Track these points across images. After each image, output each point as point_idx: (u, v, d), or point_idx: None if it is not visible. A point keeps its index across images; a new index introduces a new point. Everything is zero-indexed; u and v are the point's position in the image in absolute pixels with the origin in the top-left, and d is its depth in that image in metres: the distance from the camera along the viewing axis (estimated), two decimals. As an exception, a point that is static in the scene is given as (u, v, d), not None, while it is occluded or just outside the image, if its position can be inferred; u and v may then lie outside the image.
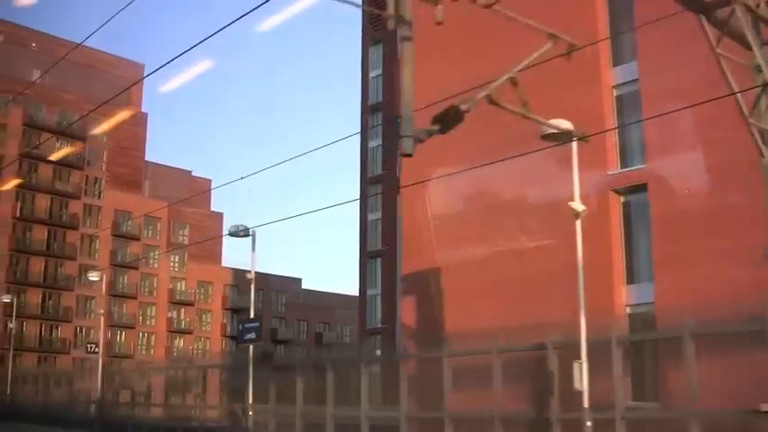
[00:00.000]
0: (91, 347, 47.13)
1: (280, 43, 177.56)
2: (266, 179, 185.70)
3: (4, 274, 76.05)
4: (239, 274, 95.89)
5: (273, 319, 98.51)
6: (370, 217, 64.14)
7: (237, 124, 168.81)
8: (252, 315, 30.24)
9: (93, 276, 60.66)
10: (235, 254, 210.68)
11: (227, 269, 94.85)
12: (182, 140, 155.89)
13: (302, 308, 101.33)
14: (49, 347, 77.96)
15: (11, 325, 62.43)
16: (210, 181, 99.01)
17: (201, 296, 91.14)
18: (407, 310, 27.18)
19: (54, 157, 78.62)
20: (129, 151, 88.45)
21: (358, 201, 64.33)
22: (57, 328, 79.30)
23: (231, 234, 27.97)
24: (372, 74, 67.19)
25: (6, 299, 61.41)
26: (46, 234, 79.59)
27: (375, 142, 66.07)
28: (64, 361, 76.22)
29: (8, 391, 42.38)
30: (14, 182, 72.83)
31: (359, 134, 65.41)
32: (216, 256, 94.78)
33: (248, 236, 27.52)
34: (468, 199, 25.53)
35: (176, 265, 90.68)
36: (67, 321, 78.95)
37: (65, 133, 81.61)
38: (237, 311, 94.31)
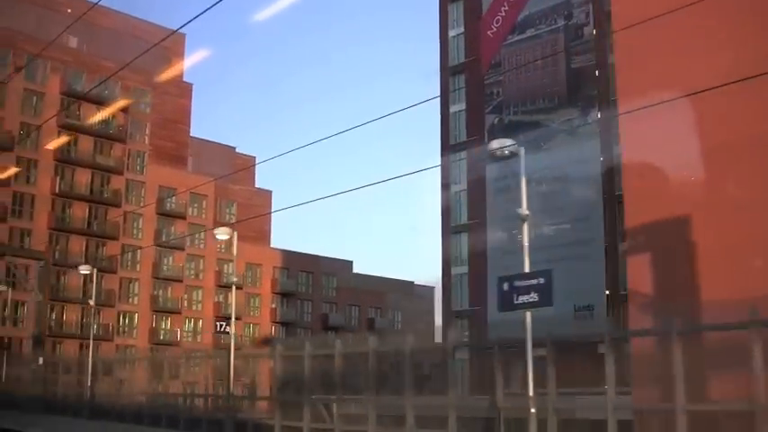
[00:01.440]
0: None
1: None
2: (316, 154, 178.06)
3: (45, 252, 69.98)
4: (289, 256, 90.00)
5: (324, 304, 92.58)
6: (454, 189, 57.96)
7: (287, 100, 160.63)
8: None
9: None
10: (283, 234, 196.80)
11: (276, 250, 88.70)
12: (225, 115, 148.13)
13: (353, 292, 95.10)
14: (88, 333, 71.88)
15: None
16: (255, 158, 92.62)
17: (250, 279, 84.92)
18: (637, 273, 20.67)
19: (96, 118, 72.72)
20: (174, 124, 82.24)
21: (438, 168, 58.16)
22: (99, 313, 73.19)
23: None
24: (452, 33, 60.89)
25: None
26: (87, 211, 73.55)
27: (457, 107, 59.97)
28: (106, 348, 70.26)
29: (88, 383, 35.69)
30: (59, 142, 67.15)
31: (438, 98, 59.37)
32: (264, 236, 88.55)
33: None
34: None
35: (223, 246, 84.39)
36: (110, 306, 72.89)
37: (106, 103, 75.69)
38: (287, 296, 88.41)
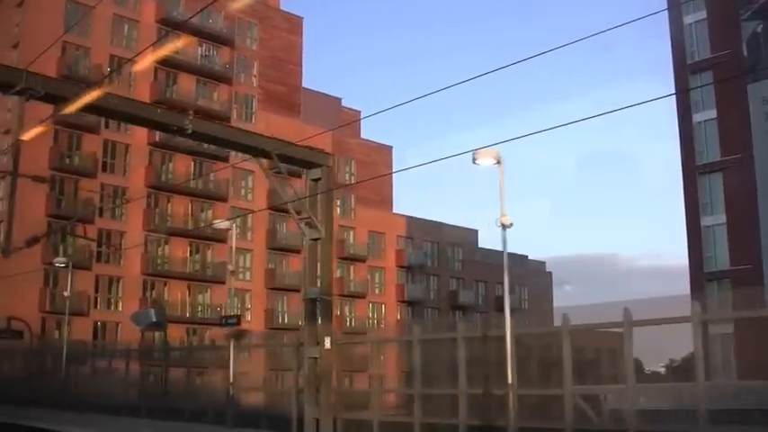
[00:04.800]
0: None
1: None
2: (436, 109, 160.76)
3: (141, 217, 57.07)
4: (412, 223, 76.34)
5: (451, 280, 78.88)
6: (698, 118, 43.96)
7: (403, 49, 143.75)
8: None
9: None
10: (404, 198, 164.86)
11: (401, 217, 74.91)
12: (330, 61, 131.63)
13: (480, 266, 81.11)
14: (196, 316, 58.92)
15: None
16: (360, 112, 78.48)
17: (372, 250, 71.37)
18: None
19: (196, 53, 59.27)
20: (284, 64, 68.52)
21: (674, 97, 44.41)
22: (206, 291, 60.20)
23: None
24: None
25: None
26: (192, 167, 60.39)
27: (693, 17, 45.64)
28: (216, 334, 57.12)
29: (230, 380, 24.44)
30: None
31: (666, 11, 45.37)
32: (386, 199, 74.64)
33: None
34: None
35: (341, 209, 70.93)
36: (220, 282, 59.70)
37: (208, 35, 62.27)
38: (413, 270, 74.73)
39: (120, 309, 55.21)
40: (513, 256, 78.50)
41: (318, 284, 20.26)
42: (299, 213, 20.02)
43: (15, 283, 49.43)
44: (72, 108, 15.37)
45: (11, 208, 17.83)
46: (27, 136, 16.07)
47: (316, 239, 19.69)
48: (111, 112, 18.06)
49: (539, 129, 18.45)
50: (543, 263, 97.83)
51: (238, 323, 25.13)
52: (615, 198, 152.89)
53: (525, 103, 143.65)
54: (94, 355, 36.89)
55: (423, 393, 20.45)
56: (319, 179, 19.81)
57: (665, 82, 44.98)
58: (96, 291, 54.65)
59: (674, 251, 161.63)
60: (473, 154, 15.96)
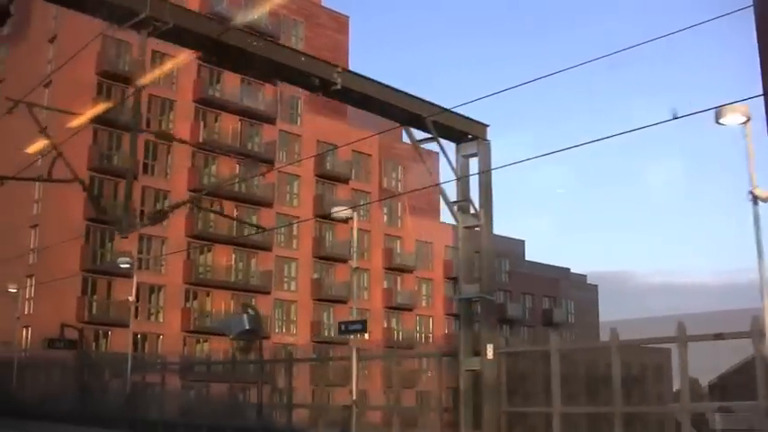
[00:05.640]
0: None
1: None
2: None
3: (183, 223, 53.62)
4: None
5: (497, 292, 74.99)
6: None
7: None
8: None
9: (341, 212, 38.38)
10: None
11: (448, 225, 71.07)
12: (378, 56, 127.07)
13: (527, 278, 77.46)
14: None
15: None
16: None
17: (419, 260, 67.69)
18: None
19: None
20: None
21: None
22: (250, 301, 56.52)
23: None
24: None
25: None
26: (237, 169, 56.98)
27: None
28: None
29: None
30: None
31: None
32: (433, 207, 70.94)
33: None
34: None
35: (387, 217, 67.43)
36: (264, 293, 56.14)
37: (250, 29, 58.73)
38: (458, 281, 70.79)
39: (162, 319, 51.73)
40: (556, 268, 74.78)
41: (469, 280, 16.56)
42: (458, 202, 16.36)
43: (52, 292, 46.09)
44: (197, 50, 11.87)
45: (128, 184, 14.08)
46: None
47: (471, 227, 16.11)
48: (248, 60, 14.42)
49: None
50: (584, 276, 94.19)
51: (364, 330, 21.45)
52: (621, 214, 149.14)
53: (559, 112, 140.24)
54: (164, 368, 33.12)
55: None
56: (474, 155, 16.21)
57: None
58: (137, 300, 51.10)
59: (685, 269, 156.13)
60: (716, 111, 12.38)
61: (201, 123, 55.15)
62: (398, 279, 65.82)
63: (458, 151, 16.07)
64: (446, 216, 72.22)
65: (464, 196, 15.93)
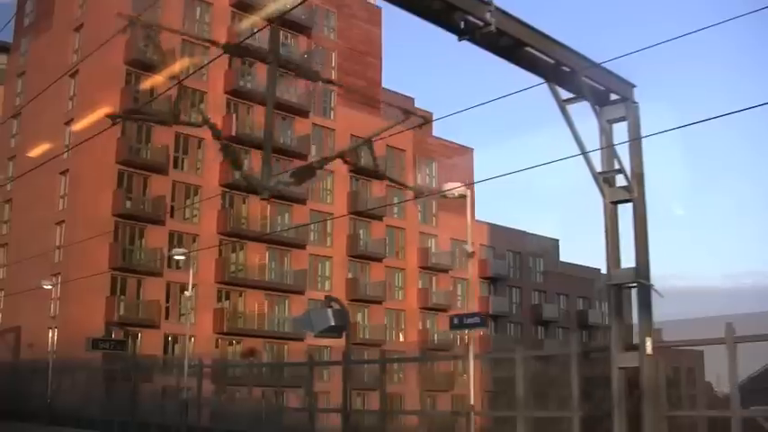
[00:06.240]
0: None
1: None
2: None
3: (214, 219, 51.35)
4: (495, 231, 70.12)
5: (533, 293, 72.73)
6: None
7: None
8: None
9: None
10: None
11: (483, 224, 68.70)
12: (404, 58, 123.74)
13: (562, 278, 74.99)
14: (274, 328, 53.02)
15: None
16: (432, 114, 72.48)
17: (455, 260, 65.22)
18: None
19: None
20: (363, 56, 62.73)
21: None
22: (284, 302, 54.24)
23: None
24: None
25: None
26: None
27: None
28: (295, 348, 51.41)
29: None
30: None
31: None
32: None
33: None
34: None
35: (422, 215, 65.02)
36: (298, 293, 53.80)
37: (284, 21, 56.48)
38: (496, 281, 68.57)
39: (193, 320, 49.35)
40: (587, 269, 71.84)
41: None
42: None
43: (79, 291, 43.85)
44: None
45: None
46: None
47: (619, 202, 13.71)
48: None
49: None
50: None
51: (483, 325, 18.89)
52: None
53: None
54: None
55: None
56: (622, 119, 13.78)
57: None
58: (167, 300, 48.85)
59: (701, 273, 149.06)
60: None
61: (234, 116, 52.84)
62: (433, 279, 63.37)
63: (601, 115, 13.63)
64: (480, 214, 69.80)
65: (610, 166, 13.48)
